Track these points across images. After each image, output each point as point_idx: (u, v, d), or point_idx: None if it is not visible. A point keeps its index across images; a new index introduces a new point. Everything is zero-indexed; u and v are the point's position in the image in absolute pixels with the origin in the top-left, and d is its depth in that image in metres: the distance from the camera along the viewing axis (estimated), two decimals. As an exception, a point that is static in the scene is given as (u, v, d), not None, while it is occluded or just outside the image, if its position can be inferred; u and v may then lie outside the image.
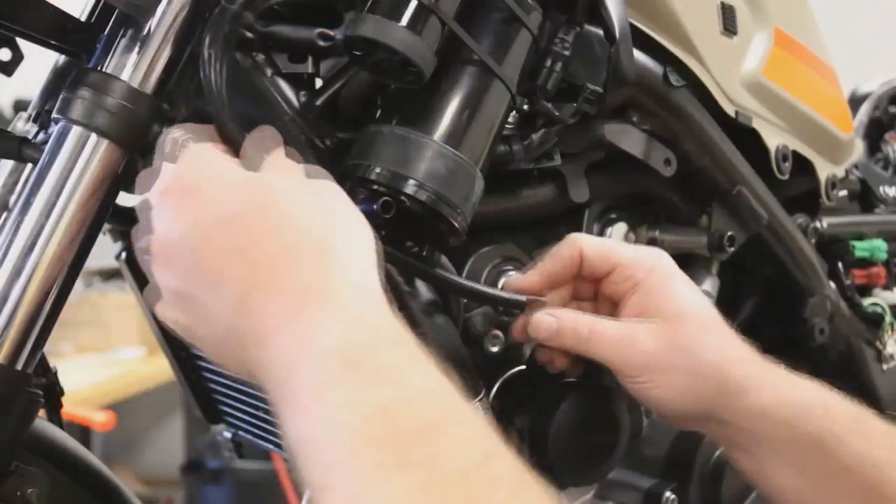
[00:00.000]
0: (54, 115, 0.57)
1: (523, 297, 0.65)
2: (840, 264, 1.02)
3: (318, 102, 0.64)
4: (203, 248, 0.47)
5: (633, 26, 0.70)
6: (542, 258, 0.66)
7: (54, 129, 0.57)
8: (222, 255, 0.46)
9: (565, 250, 0.65)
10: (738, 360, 0.62)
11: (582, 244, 0.65)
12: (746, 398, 0.61)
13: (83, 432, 2.28)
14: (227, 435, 0.96)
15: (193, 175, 0.49)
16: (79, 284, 0.64)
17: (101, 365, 2.37)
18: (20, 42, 0.65)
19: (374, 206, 0.58)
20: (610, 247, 0.65)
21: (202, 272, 0.47)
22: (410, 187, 0.58)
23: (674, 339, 0.61)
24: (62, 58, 0.73)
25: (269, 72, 0.64)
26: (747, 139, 0.86)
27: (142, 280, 0.87)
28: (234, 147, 0.54)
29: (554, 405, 0.67)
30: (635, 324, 0.62)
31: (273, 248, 0.46)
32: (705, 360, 0.61)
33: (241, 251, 0.46)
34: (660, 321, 0.62)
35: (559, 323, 0.63)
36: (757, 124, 0.87)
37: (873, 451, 0.61)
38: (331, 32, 0.60)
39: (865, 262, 1.05)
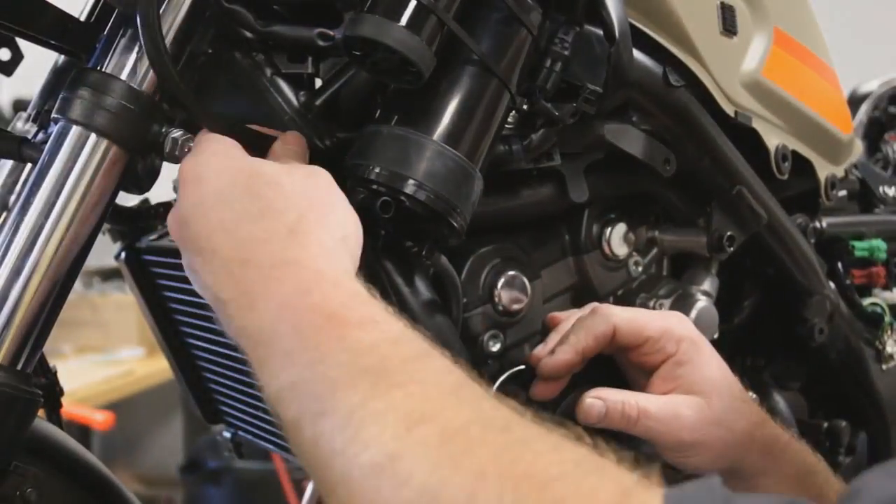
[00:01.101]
0: (54, 114, 0.57)
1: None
2: (839, 264, 1.02)
3: (318, 102, 0.64)
4: (199, 224, 0.53)
5: (632, 26, 0.70)
6: (575, 331, 0.67)
7: (54, 129, 0.57)
8: (213, 232, 0.52)
9: (600, 327, 0.67)
10: (762, 423, 0.68)
11: (616, 322, 0.67)
12: (767, 459, 0.67)
13: (83, 432, 2.28)
14: (227, 435, 0.96)
15: (204, 158, 0.56)
16: (79, 284, 0.64)
17: (101, 365, 2.37)
18: (20, 42, 0.65)
19: (377, 205, 0.58)
20: (641, 321, 0.68)
21: (198, 246, 0.53)
22: (410, 187, 0.58)
23: (712, 415, 0.66)
24: (62, 58, 0.73)
25: (268, 72, 0.64)
26: (747, 139, 0.86)
27: (141, 280, 0.88)
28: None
29: (554, 405, 0.67)
30: (675, 401, 0.66)
31: (252, 229, 0.52)
32: (738, 429, 0.66)
33: (227, 230, 0.52)
34: (696, 397, 0.66)
35: (607, 406, 0.66)
36: (756, 124, 0.87)
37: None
38: (330, 32, 0.60)
39: (865, 262, 1.05)
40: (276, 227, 0.52)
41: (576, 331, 0.67)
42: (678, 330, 0.68)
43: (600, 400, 0.65)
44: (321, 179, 0.57)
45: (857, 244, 1.03)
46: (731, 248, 0.85)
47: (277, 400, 0.47)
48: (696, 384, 0.66)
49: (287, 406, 0.46)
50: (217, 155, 0.56)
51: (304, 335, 0.47)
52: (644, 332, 0.67)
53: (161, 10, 0.57)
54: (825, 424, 0.98)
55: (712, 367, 0.68)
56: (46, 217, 0.56)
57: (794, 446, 0.69)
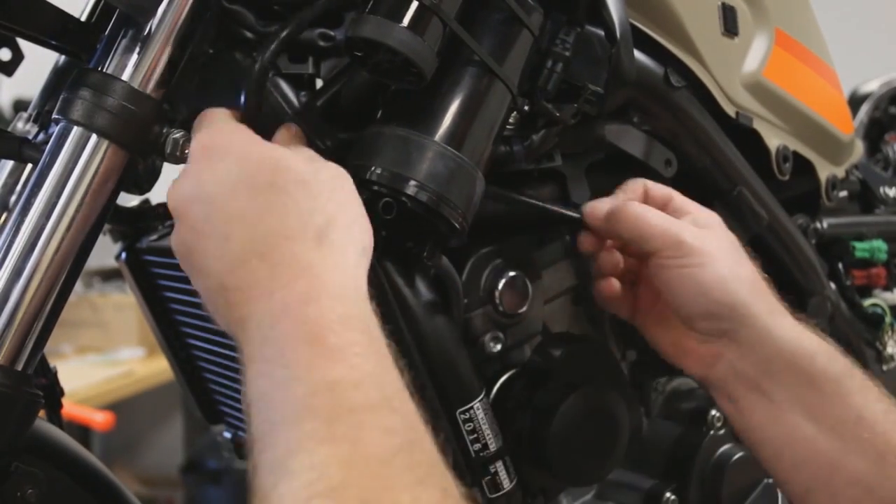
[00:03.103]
0: (55, 115, 0.57)
1: (579, 214, 0.71)
2: (840, 265, 1.02)
3: (319, 103, 0.64)
4: (214, 207, 0.52)
5: (633, 27, 0.70)
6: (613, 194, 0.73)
7: (54, 130, 0.57)
8: (232, 218, 0.51)
9: (630, 185, 0.72)
10: (770, 289, 0.67)
11: (645, 181, 0.72)
12: (773, 318, 0.65)
13: (83, 432, 2.28)
14: (227, 435, 0.96)
15: (223, 138, 0.55)
16: (79, 285, 0.64)
17: (101, 365, 2.37)
18: (20, 42, 0.65)
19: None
20: (670, 188, 0.72)
21: (209, 228, 0.52)
22: (411, 188, 0.58)
23: (721, 238, 0.67)
24: (62, 58, 0.73)
25: (269, 72, 0.63)
26: (748, 139, 0.86)
27: (141, 280, 0.88)
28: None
29: (554, 405, 0.67)
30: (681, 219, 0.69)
31: (277, 225, 0.51)
32: (747, 265, 0.67)
33: (248, 219, 0.51)
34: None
35: (615, 205, 0.68)
36: (757, 125, 0.87)
37: (870, 404, 0.64)
38: (331, 33, 0.60)
39: (865, 263, 1.05)
40: (304, 228, 0.51)
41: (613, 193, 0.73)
42: (703, 208, 0.71)
43: (607, 202, 0.69)
44: (347, 184, 0.56)
45: (858, 245, 1.03)
46: (732, 249, 0.85)
47: (248, 405, 0.48)
48: (705, 225, 0.68)
49: (252, 417, 0.47)
50: (236, 135, 0.55)
51: (286, 349, 0.47)
52: (672, 193, 0.71)
53: (162, 11, 0.57)
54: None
55: (730, 235, 0.69)
56: (47, 218, 0.55)
57: (793, 320, 0.67)
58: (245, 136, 0.55)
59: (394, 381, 0.48)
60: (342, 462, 0.43)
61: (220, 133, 0.55)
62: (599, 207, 0.70)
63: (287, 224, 0.51)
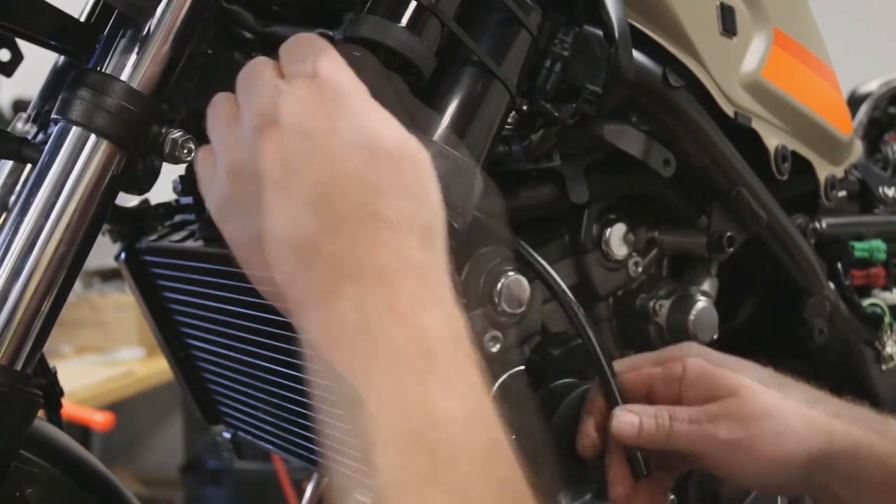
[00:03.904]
0: (54, 115, 0.57)
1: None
2: (839, 265, 1.02)
3: (318, 103, 0.64)
4: (326, 151, 0.44)
5: (632, 27, 0.70)
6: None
7: (54, 130, 0.57)
8: (343, 172, 0.44)
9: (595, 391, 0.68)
10: (817, 401, 0.64)
11: (618, 367, 0.68)
12: (838, 435, 0.62)
13: (83, 432, 2.29)
14: (227, 435, 0.96)
15: (343, 80, 0.47)
16: (79, 285, 0.64)
17: (101, 365, 2.37)
18: (20, 42, 0.66)
19: None
20: (639, 358, 0.69)
21: (313, 170, 0.44)
22: (410, 188, 0.58)
23: (750, 408, 0.62)
24: (62, 58, 0.73)
25: None
26: (747, 139, 0.86)
27: (141, 280, 0.88)
28: None
29: (554, 405, 0.67)
30: (707, 406, 0.63)
31: (389, 204, 0.44)
32: (789, 411, 0.62)
33: (362, 181, 0.44)
34: (725, 398, 0.63)
35: (641, 419, 0.64)
36: (756, 125, 0.87)
37: None
38: (330, 33, 0.60)
39: (864, 263, 1.05)
40: (413, 220, 0.45)
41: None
42: (675, 351, 0.68)
43: (633, 413, 0.64)
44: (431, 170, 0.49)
45: (857, 245, 1.03)
46: (731, 249, 0.85)
47: (351, 405, 0.42)
48: (718, 390, 0.64)
49: (354, 418, 0.42)
50: (358, 86, 0.47)
51: (396, 358, 0.42)
52: (641, 364, 0.68)
53: (161, 11, 0.58)
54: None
55: (727, 365, 0.65)
56: (46, 218, 0.56)
57: (858, 411, 0.64)
58: (363, 90, 0.48)
59: (494, 413, 0.44)
60: None
61: (340, 71, 0.47)
62: (626, 418, 0.65)
63: (399, 209, 0.44)
